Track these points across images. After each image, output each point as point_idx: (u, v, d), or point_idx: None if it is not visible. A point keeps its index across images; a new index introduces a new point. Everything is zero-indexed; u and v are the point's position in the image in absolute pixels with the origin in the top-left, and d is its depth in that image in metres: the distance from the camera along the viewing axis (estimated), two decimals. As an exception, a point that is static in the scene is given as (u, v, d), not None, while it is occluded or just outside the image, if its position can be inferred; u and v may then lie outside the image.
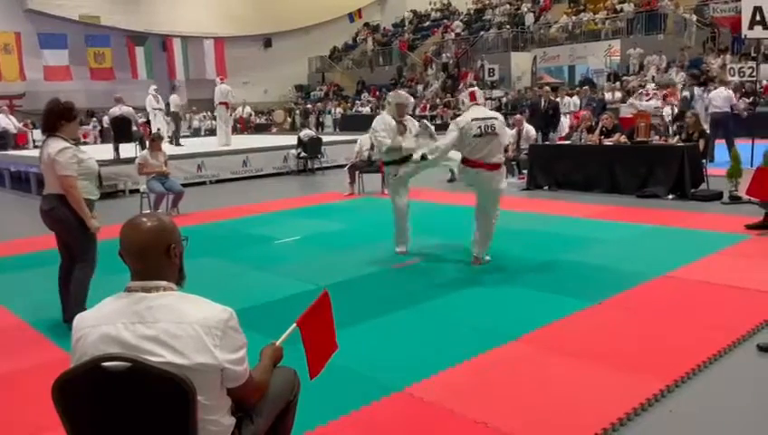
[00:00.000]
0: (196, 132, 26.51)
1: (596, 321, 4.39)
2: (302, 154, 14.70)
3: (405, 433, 3.03)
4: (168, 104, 17.20)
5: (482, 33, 28.72)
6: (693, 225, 7.26)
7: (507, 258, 5.85)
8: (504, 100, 21.07)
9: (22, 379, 3.79)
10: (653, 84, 18.12)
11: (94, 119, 24.16)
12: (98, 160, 4.79)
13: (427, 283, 5.47)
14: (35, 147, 16.68)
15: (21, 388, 3.67)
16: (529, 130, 11.88)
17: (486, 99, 19.45)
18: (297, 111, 27.89)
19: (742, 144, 10.78)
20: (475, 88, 6.42)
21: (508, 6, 29.74)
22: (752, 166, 8.94)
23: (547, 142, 12.16)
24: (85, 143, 19.57)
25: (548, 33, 26.08)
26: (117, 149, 12.91)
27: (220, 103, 16.08)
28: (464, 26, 30.34)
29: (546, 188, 10.44)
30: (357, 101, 29.20)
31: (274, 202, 10.44)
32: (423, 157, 5.86)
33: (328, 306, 2.53)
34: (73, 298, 4.51)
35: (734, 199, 8.38)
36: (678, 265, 5.56)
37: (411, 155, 6.41)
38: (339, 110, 28.16)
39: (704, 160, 9.45)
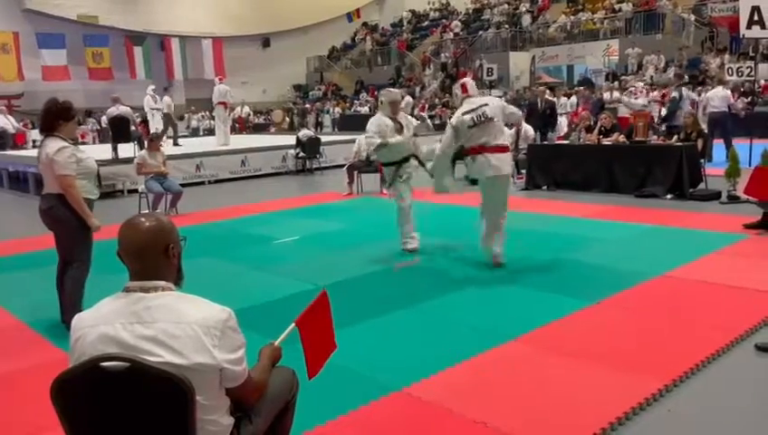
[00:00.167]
0: (194, 132, 26.49)
1: (595, 320, 4.39)
2: (301, 154, 14.70)
3: (404, 433, 3.03)
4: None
5: (480, 32, 28.73)
6: (691, 224, 7.27)
7: (506, 258, 5.84)
8: (504, 99, 21.04)
9: (20, 379, 3.79)
10: (641, 83, 18.13)
11: (92, 119, 24.13)
12: (96, 160, 4.78)
13: (425, 282, 5.48)
14: (34, 147, 16.66)
15: (20, 388, 3.67)
16: (528, 129, 11.87)
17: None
18: (294, 111, 27.88)
19: (740, 144, 10.78)
20: (467, 79, 6.28)
21: (506, 6, 29.74)
22: (750, 165, 8.94)
23: (545, 142, 12.17)
24: (84, 143, 19.55)
25: (546, 33, 26.09)
26: (115, 149, 12.91)
27: (219, 103, 16.08)
28: (462, 26, 30.34)
29: (545, 187, 10.44)
30: (355, 101, 29.18)
31: (273, 202, 10.44)
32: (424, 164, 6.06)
33: (327, 306, 2.53)
34: (69, 299, 4.51)
35: (733, 199, 8.38)
36: (677, 264, 5.56)
37: (409, 157, 6.48)
38: (337, 109, 28.14)
39: (702, 160, 9.46)
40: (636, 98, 14.68)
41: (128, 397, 1.77)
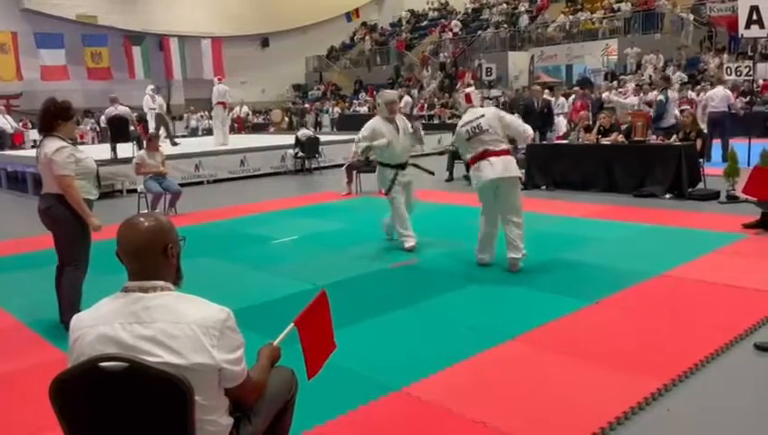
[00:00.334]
0: (193, 132, 26.48)
1: (593, 320, 4.40)
2: (300, 154, 14.69)
3: (403, 433, 3.03)
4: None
5: (479, 32, 28.74)
6: (690, 224, 7.27)
7: (505, 258, 5.84)
8: (503, 99, 21.07)
9: (19, 379, 3.78)
10: (633, 83, 18.16)
11: (92, 120, 24.10)
12: (95, 160, 4.77)
13: (425, 282, 5.48)
14: (33, 147, 16.64)
15: (19, 388, 3.67)
16: (526, 129, 11.85)
17: (484, 98, 19.47)
18: (293, 111, 27.88)
19: (739, 143, 10.79)
20: (471, 89, 6.40)
21: (505, 6, 29.76)
22: (749, 165, 8.95)
23: (544, 142, 12.17)
24: (82, 143, 19.54)
25: (545, 33, 26.10)
26: (114, 149, 12.90)
27: (218, 103, 16.08)
28: (461, 26, 30.35)
29: (544, 187, 10.44)
30: (354, 101, 29.20)
31: (272, 202, 10.43)
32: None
33: (326, 306, 2.53)
34: (67, 300, 4.51)
35: (732, 199, 8.39)
36: (676, 264, 5.57)
37: (407, 162, 6.55)
38: (336, 109, 28.15)
39: (701, 160, 9.47)
40: (625, 98, 14.75)
41: (127, 397, 1.76)
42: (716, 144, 12.21)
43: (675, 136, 9.86)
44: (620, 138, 10.01)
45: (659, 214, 7.88)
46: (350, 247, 6.86)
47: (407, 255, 6.40)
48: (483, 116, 5.69)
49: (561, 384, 3.41)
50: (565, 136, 12.11)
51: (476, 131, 5.62)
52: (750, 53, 16.21)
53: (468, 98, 5.96)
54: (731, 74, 12.85)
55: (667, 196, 9.04)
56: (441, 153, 15.51)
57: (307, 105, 29.64)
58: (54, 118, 4.42)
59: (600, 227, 7.39)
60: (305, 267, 6.13)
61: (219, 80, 16.71)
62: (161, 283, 1.91)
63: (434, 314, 4.64)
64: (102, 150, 13.06)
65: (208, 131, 22.90)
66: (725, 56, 19.31)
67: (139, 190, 9.45)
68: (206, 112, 25.22)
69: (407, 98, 23.22)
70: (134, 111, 15.75)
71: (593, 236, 6.92)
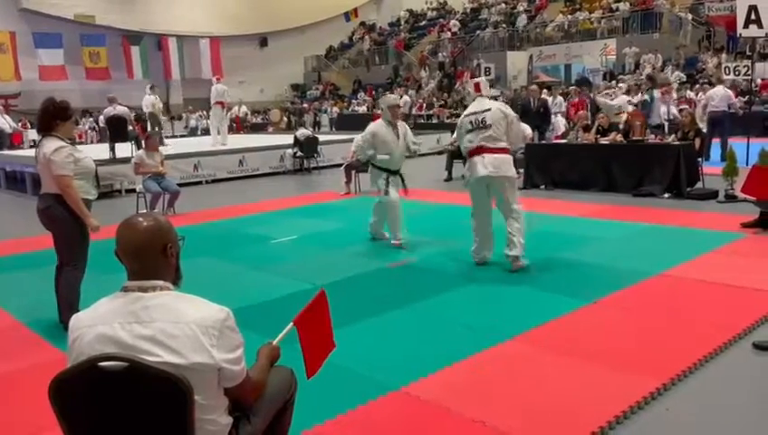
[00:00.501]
0: (192, 131, 26.47)
1: (592, 319, 4.40)
2: (299, 153, 14.69)
3: (402, 432, 3.04)
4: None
5: (478, 32, 28.75)
6: (689, 223, 7.28)
7: (504, 257, 5.85)
8: (501, 99, 21.09)
9: (19, 379, 3.78)
10: (623, 83, 18.18)
11: (91, 119, 24.07)
12: (94, 160, 4.77)
13: (423, 282, 5.48)
14: (32, 147, 16.62)
15: (18, 388, 3.66)
16: (525, 128, 11.86)
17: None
18: (291, 111, 27.88)
19: (737, 143, 10.80)
20: (481, 78, 6.30)
21: (504, 5, 29.76)
22: (747, 164, 8.96)
23: (543, 141, 12.18)
24: (81, 143, 19.52)
25: (544, 32, 26.11)
26: (113, 149, 12.89)
27: (216, 103, 16.06)
28: (460, 25, 30.35)
29: (542, 187, 10.45)
30: (353, 101, 29.21)
31: (271, 202, 10.43)
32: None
33: (325, 305, 2.53)
34: (65, 301, 4.50)
35: (730, 198, 8.40)
36: (674, 263, 5.57)
37: (399, 171, 6.59)
38: (335, 109, 28.15)
39: (699, 159, 9.48)
40: (612, 99, 14.88)
41: (126, 397, 1.76)
42: (716, 143, 12.22)
43: (673, 135, 9.87)
44: (619, 137, 10.02)
45: (658, 213, 7.89)
46: (349, 247, 6.86)
47: (405, 254, 6.41)
48: (489, 110, 5.59)
49: (560, 384, 3.41)
50: (564, 135, 12.11)
51: (479, 125, 5.56)
52: (748, 53, 16.24)
53: (478, 87, 5.85)
54: (729, 74, 12.88)
55: (666, 195, 9.05)
56: (440, 153, 15.52)
57: (306, 105, 29.63)
58: (53, 118, 4.42)
59: (599, 226, 7.39)
60: (304, 267, 6.13)
61: (218, 79, 16.69)
62: (160, 282, 1.91)
63: (433, 314, 4.65)
64: (101, 150, 13.05)
65: (207, 131, 22.89)
66: (724, 56, 19.33)
67: (137, 190, 9.44)
68: (205, 112, 25.23)
69: (405, 98, 23.23)
70: (132, 110, 15.73)
71: (592, 235, 6.92)
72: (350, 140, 12.37)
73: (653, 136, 10.09)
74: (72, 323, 1.91)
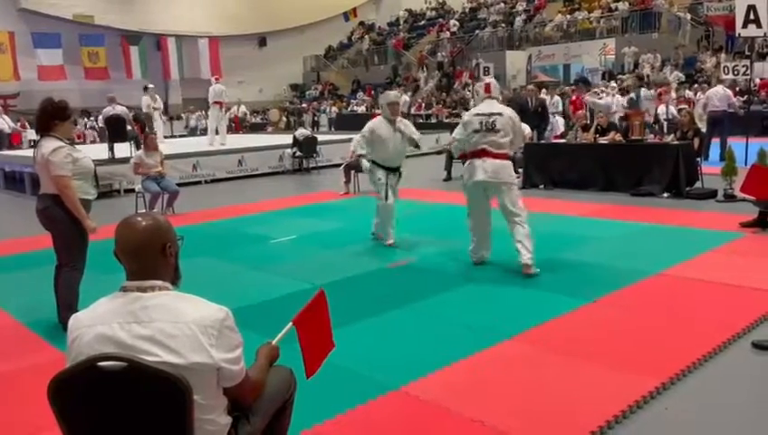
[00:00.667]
0: (192, 131, 26.45)
1: (591, 319, 4.40)
2: (298, 153, 14.69)
3: (401, 432, 3.04)
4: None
5: (477, 31, 28.75)
6: (688, 223, 7.28)
7: (502, 257, 5.85)
8: (500, 98, 21.07)
9: (18, 379, 3.78)
10: (613, 83, 18.22)
11: (86, 119, 24.01)
12: (93, 160, 4.76)
13: (422, 281, 5.48)
14: (31, 147, 16.61)
15: (17, 388, 3.66)
16: (524, 128, 11.85)
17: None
18: (290, 111, 27.86)
19: (736, 142, 10.81)
20: (492, 80, 6.18)
21: (503, 5, 29.77)
22: (746, 164, 8.96)
23: (542, 141, 12.18)
24: (81, 143, 19.50)
25: (543, 32, 26.11)
26: (112, 149, 12.89)
27: (214, 103, 16.06)
28: (459, 25, 30.35)
29: (541, 186, 10.46)
30: (352, 101, 29.20)
31: (270, 201, 10.43)
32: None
33: (324, 305, 2.53)
34: (63, 301, 4.50)
35: (729, 198, 8.41)
36: (673, 263, 5.57)
37: (399, 167, 6.58)
38: (334, 109, 28.14)
39: (698, 159, 9.48)
40: (600, 98, 14.99)
41: (125, 397, 1.76)
42: (715, 143, 12.23)
43: (672, 135, 9.87)
44: (618, 137, 10.03)
45: (657, 213, 7.89)
46: (348, 247, 6.86)
47: (405, 254, 6.41)
48: (500, 115, 5.53)
49: (559, 383, 3.41)
50: (563, 135, 12.12)
51: (488, 127, 5.49)
52: (747, 53, 16.25)
53: (488, 88, 5.78)
54: (728, 73, 12.89)
55: (665, 195, 9.05)
56: (439, 152, 15.51)
57: (305, 105, 29.63)
58: (51, 118, 4.41)
59: (598, 226, 7.40)
60: (303, 267, 6.13)
61: (216, 80, 16.69)
62: (159, 282, 1.91)
63: (432, 314, 4.65)
64: (100, 150, 13.04)
65: (207, 131, 22.90)
66: (723, 55, 19.34)
67: (136, 190, 9.44)
68: (204, 112, 25.22)
69: (404, 97, 23.23)
70: (131, 110, 15.72)
71: (591, 235, 6.92)
72: (349, 140, 12.36)
73: (652, 136, 10.09)
74: (70, 324, 1.91)
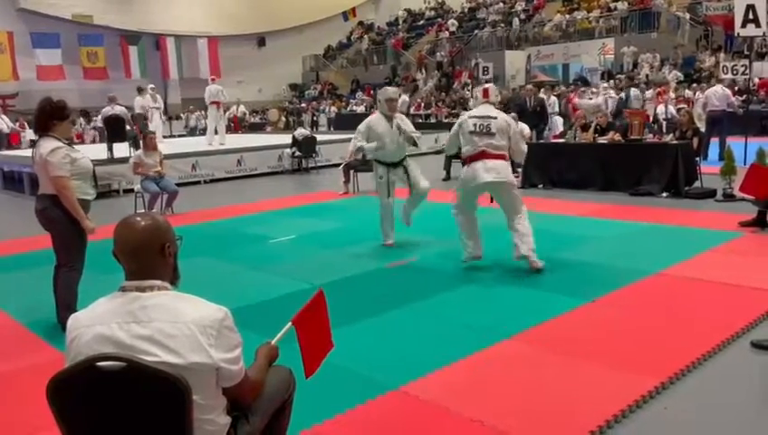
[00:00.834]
0: (192, 131, 26.44)
1: (591, 319, 4.40)
2: (297, 153, 14.69)
3: (401, 431, 3.04)
4: (131, 107, 16.85)
5: (476, 31, 28.75)
6: (687, 222, 7.29)
7: (502, 256, 5.85)
8: (499, 98, 21.09)
9: (17, 379, 3.77)
10: (604, 83, 18.27)
11: (82, 119, 23.94)
12: (91, 160, 4.76)
13: (421, 281, 5.48)
14: (30, 147, 16.57)
15: (16, 388, 3.66)
16: (523, 128, 11.87)
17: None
18: (289, 111, 27.84)
19: (735, 142, 10.82)
20: (490, 85, 6.19)
21: (502, 5, 29.77)
22: (745, 164, 8.97)
23: (541, 141, 12.19)
24: (80, 144, 19.47)
25: (542, 32, 26.12)
26: (111, 149, 12.88)
27: (211, 103, 16.05)
28: (458, 25, 30.35)
29: (541, 186, 10.46)
30: (351, 100, 29.19)
31: (269, 201, 10.43)
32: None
33: (323, 305, 2.53)
34: (62, 301, 4.50)
35: (728, 197, 8.41)
36: (672, 262, 5.58)
37: (402, 160, 6.57)
38: (333, 108, 28.13)
39: (697, 158, 9.49)
40: (590, 99, 15.08)
41: (124, 397, 1.76)
42: (714, 142, 12.24)
43: (671, 135, 9.88)
44: (617, 137, 10.03)
45: (656, 212, 7.90)
46: (348, 247, 6.86)
47: (404, 254, 6.41)
48: (495, 118, 5.57)
49: (559, 383, 3.41)
50: (562, 135, 12.13)
51: (483, 130, 5.53)
52: (746, 52, 16.25)
53: (486, 93, 5.82)
54: (727, 73, 12.91)
55: (664, 194, 9.06)
56: (438, 152, 15.51)
57: (304, 104, 29.62)
58: (50, 118, 4.39)
59: (597, 225, 7.40)
60: (302, 267, 6.12)
61: (213, 80, 16.68)
62: (158, 282, 1.90)
63: (431, 314, 4.65)
64: (99, 150, 13.03)
65: (206, 131, 22.88)
66: (722, 55, 19.35)
67: (135, 190, 9.43)
68: (203, 112, 25.21)
69: (404, 97, 23.21)
70: (130, 110, 15.70)
71: (590, 234, 6.93)
72: (348, 140, 12.35)
73: (651, 135, 10.09)
74: (69, 324, 1.91)
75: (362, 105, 27.23)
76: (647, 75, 20.36)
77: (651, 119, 13.46)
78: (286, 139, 15.53)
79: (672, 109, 14.17)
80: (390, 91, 6.85)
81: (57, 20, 26.80)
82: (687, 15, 22.23)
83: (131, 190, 10.24)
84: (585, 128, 10.76)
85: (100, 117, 16.52)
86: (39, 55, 25.81)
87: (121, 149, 12.90)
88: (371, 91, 28.60)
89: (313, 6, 33.69)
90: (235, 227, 8.38)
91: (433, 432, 3.02)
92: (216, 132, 16.37)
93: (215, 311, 1.88)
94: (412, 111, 24.02)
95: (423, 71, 28.84)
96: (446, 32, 30.07)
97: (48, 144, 4.34)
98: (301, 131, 15.18)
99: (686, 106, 13.22)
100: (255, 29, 33.02)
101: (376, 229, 7.05)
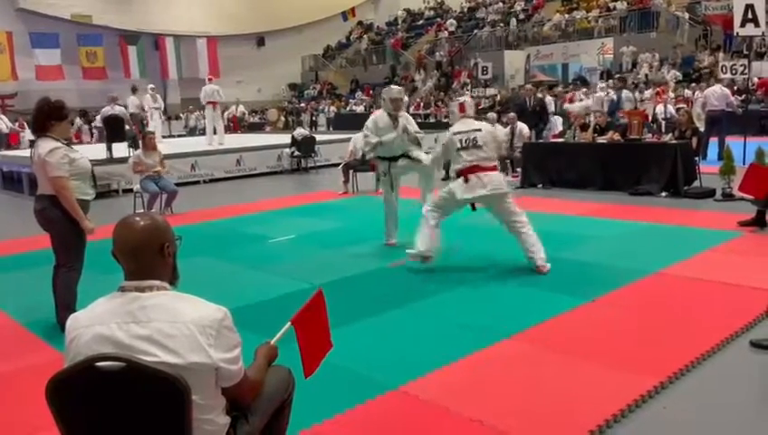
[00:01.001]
0: (192, 131, 26.42)
1: (590, 318, 4.40)
2: (296, 153, 14.69)
3: (400, 431, 3.04)
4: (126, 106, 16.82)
5: (475, 31, 28.75)
6: (686, 222, 7.29)
7: (501, 256, 5.85)
8: (498, 97, 21.11)
9: (16, 379, 3.77)
10: (602, 83, 18.30)
11: (79, 119, 23.89)
12: (90, 160, 4.75)
13: (421, 281, 5.48)
14: (30, 147, 16.54)
15: (15, 388, 3.66)
16: (522, 128, 11.89)
17: (481, 97, 19.48)
18: (288, 111, 27.82)
19: (734, 141, 10.82)
20: (466, 99, 6.20)
21: (501, 5, 29.76)
22: (744, 163, 8.98)
23: (540, 140, 12.19)
24: (78, 144, 19.45)
25: (541, 32, 26.12)
26: (110, 149, 12.87)
27: (208, 103, 16.04)
28: (457, 24, 30.35)
29: (540, 186, 10.46)
30: (351, 100, 29.18)
31: (268, 201, 10.43)
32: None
33: (322, 305, 2.53)
34: (61, 301, 4.49)
35: (727, 197, 8.41)
36: (672, 262, 5.58)
37: (402, 154, 6.58)
38: (332, 108, 28.12)
39: (696, 158, 9.49)
40: (580, 100, 15.20)
41: (123, 397, 1.76)
42: (713, 142, 12.24)
43: (670, 134, 9.88)
44: (616, 136, 10.03)
45: (655, 212, 7.90)
46: (347, 247, 6.86)
47: (404, 254, 6.39)
48: (479, 130, 5.63)
49: (558, 382, 3.41)
50: (561, 134, 12.13)
51: (470, 144, 5.57)
52: (745, 52, 16.26)
53: (462, 107, 5.83)
54: (726, 73, 12.92)
55: (663, 194, 9.06)
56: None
57: (303, 104, 29.60)
58: (48, 118, 4.38)
59: (597, 225, 7.40)
60: (302, 267, 6.12)
61: (209, 80, 16.66)
62: (158, 282, 1.90)
63: (430, 313, 4.65)
64: (98, 150, 13.03)
65: (205, 131, 22.85)
66: (721, 55, 19.35)
67: (135, 190, 9.43)
68: (202, 112, 25.18)
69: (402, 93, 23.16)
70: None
71: (589, 234, 6.93)
72: (348, 140, 12.38)
73: (650, 135, 10.10)
74: (69, 324, 1.91)
75: (362, 105, 27.23)
76: (646, 75, 20.36)
77: (650, 118, 13.46)
78: (285, 138, 15.53)
79: (671, 108, 14.17)
80: (395, 90, 6.82)
81: (56, 20, 26.77)
82: (686, 15, 22.24)
83: (130, 190, 10.24)
84: (584, 127, 10.76)
85: (99, 117, 16.50)
86: (38, 55, 25.77)
87: (120, 149, 12.89)
88: (370, 91, 28.62)
89: (313, 6, 33.67)
90: (234, 226, 8.37)
91: (432, 432, 3.02)
92: (214, 132, 16.36)
93: (214, 311, 1.88)
94: (411, 110, 24.03)
95: (422, 71, 28.83)
96: (446, 31, 30.07)
97: (46, 144, 4.33)
98: (300, 131, 15.19)
99: (685, 106, 13.23)
100: (255, 29, 33.00)
101: (376, 229, 7.06)
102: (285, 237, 7.49)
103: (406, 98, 7.36)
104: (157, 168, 9.20)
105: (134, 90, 16.65)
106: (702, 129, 11.24)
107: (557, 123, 14.47)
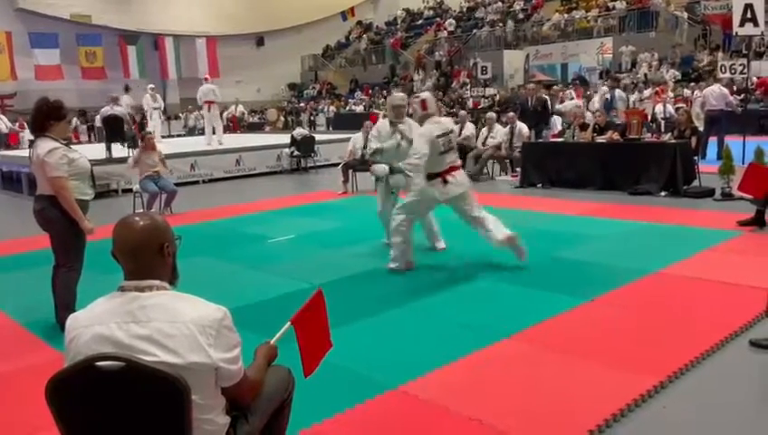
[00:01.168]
0: (191, 131, 26.41)
1: (589, 318, 4.41)
2: (296, 153, 14.68)
3: (400, 431, 3.04)
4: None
5: (474, 31, 28.75)
6: (685, 221, 7.29)
7: (500, 256, 5.85)
8: (498, 97, 21.12)
9: (16, 379, 3.77)
10: (603, 84, 18.36)
11: (76, 120, 23.85)
12: (90, 160, 4.75)
13: (421, 281, 5.48)
14: (29, 147, 16.54)
15: (15, 388, 3.66)
16: (522, 127, 11.89)
17: (480, 96, 19.50)
18: (287, 111, 27.80)
19: (733, 141, 10.83)
20: (427, 95, 6.03)
21: (500, 4, 29.77)
22: (743, 163, 8.98)
23: (540, 140, 12.19)
24: (78, 144, 19.45)
25: (540, 31, 26.13)
26: (109, 149, 12.87)
27: (205, 102, 16.04)
28: (456, 24, 30.35)
29: (539, 185, 10.46)
30: (350, 100, 29.19)
31: (268, 201, 10.42)
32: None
33: (322, 305, 2.53)
34: (60, 301, 4.49)
35: (726, 196, 8.42)
36: (671, 261, 5.58)
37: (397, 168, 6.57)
38: (332, 108, 28.12)
39: (695, 157, 9.49)
40: (571, 99, 15.28)
41: (123, 397, 1.76)
42: (712, 142, 12.25)
43: (670, 134, 9.89)
44: (616, 136, 10.03)
45: (655, 211, 7.90)
46: (347, 246, 6.86)
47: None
48: (452, 131, 5.78)
49: (557, 382, 3.42)
50: (560, 134, 12.13)
51: (448, 147, 5.65)
52: (744, 51, 16.26)
53: (425, 105, 5.71)
54: (725, 72, 12.93)
55: (663, 193, 9.06)
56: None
57: (302, 104, 29.60)
58: (46, 118, 4.38)
59: (596, 224, 7.40)
60: (301, 266, 6.12)
61: (206, 79, 16.65)
62: (157, 282, 1.91)
63: (430, 313, 4.65)
64: (98, 150, 13.02)
65: (204, 131, 22.83)
66: (720, 54, 19.36)
67: (134, 190, 9.43)
68: (202, 112, 25.16)
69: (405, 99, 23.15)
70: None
71: (589, 233, 6.93)
72: (347, 140, 12.38)
73: (650, 134, 10.10)
74: (68, 324, 1.91)
75: (361, 105, 27.23)
76: (645, 74, 20.37)
77: (650, 118, 13.47)
78: (285, 138, 15.52)
79: (670, 108, 14.18)
80: (397, 97, 6.74)
81: (55, 20, 26.76)
82: (686, 15, 22.25)
83: (130, 190, 10.24)
84: (584, 127, 10.77)
85: (98, 117, 16.50)
86: (37, 55, 25.75)
87: (120, 149, 12.88)
88: (370, 91, 28.62)
89: (312, 6, 33.66)
90: (233, 226, 8.37)
91: (432, 432, 3.02)
92: (213, 132, 16.35)
93: (214, 311, 1.88)
94: (410, 110, 24.03)
95: (421, 70, 28.83)
96: (445, 31, 30.07)
97: (45, 144, 4.33)
98: (299, 131, 15.19)
99: (684, 105, 13.22)
100: (254, 29, 32.99)
101: (375, 229, 7.05)
102: (285, 237, 7.49)
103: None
104: (156, 167, 9.20)
105: (127, 89, 16.59)
106: (701, 128, 11.25)
107: (556, 123, 14.48)
